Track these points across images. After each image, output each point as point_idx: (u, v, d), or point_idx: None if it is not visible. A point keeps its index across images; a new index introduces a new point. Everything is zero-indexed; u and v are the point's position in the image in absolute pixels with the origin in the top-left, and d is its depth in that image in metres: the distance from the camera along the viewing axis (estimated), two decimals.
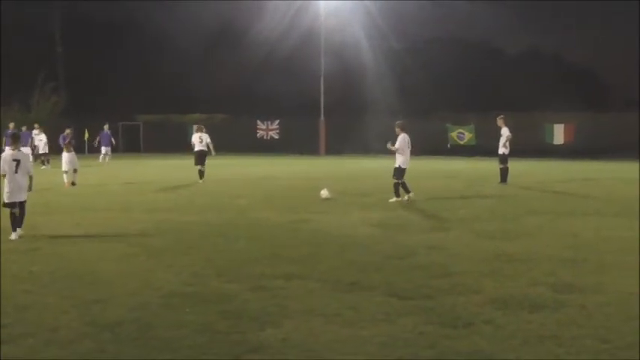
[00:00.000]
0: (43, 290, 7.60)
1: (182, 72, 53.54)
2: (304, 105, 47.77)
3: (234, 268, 8.69)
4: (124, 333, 6.04)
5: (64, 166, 20.95)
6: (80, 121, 41.52)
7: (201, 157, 22.22)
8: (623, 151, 36.22)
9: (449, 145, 42.99)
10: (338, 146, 44.68)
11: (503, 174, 20.95)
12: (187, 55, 54.75)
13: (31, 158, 11.85)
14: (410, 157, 16.74)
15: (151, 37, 54.32)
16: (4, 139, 13.58)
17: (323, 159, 41.17)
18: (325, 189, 16.89)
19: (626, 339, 5.83)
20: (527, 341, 5.79)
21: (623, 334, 5.96)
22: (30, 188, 11.51)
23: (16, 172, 11.14)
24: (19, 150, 11.56)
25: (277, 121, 48.54)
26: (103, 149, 35.41)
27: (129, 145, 48.68)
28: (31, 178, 11.49)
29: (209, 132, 23.31)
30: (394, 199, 16.17)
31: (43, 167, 29.18)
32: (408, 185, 16.40)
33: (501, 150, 20.80)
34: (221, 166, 28.38)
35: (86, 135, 41.43)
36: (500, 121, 21.02)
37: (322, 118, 46.51)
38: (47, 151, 31.05)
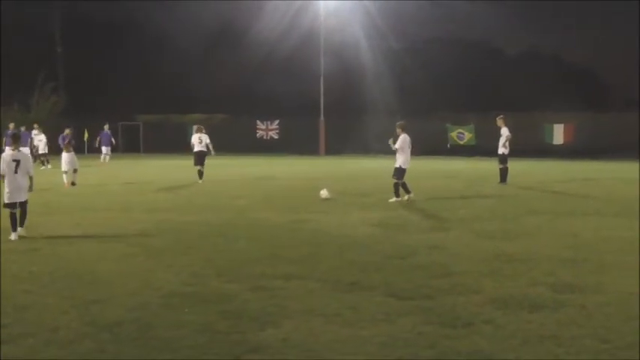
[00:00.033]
0: (43, 290, 7.60)
1: (182, 72, 53.54)
2: (304, 105, 47.77)
3: (234, 268, 8.69)
4: (124, 333, 6.04)
5: (64, 167, 20.96)
6: (80, 122, 41.54)
7: (200, 158, 22.29)
8: (623, 151, 36.21)
9: (449, 145, 42.98)
10: (338, 146, 44.68)
11: (503, 174, 20.95)
12: (187, 55, 54.75)
13: (31, 159, 11.81)
14: (410, 157, 16.74)
15: (151, 37, 54.34)
16: (4, 139, 13.59)
17: (323, 159, 41.16)
18: (325, 189, 16.89)
19: (625, 339, 5.84)
20: (527, 341, 5.79)
21: (622, 334, 5.96)
22: (31, 189, 11.51)
23: (15, 172, 11.14)
24: (19, 150, 11.54)
25: (277, 121, 48.54)
26: (104, 149, 35.42)
27: (128, 145, 48.67)
28: (31, 178, 11.48)
29: (209, 132, 23.43)
30: (394, 199, 16.17)
31: (43, 167, 29.16)
32: (409, 186, 16.40)
33: (501, 150, 20.81)
34: (221, 167, 28.38)
35: (86, 135, 41.43)
36: (499, 121, 21.02)
37: (322, 118, 46.51)
38: (47, 152, 31.03)
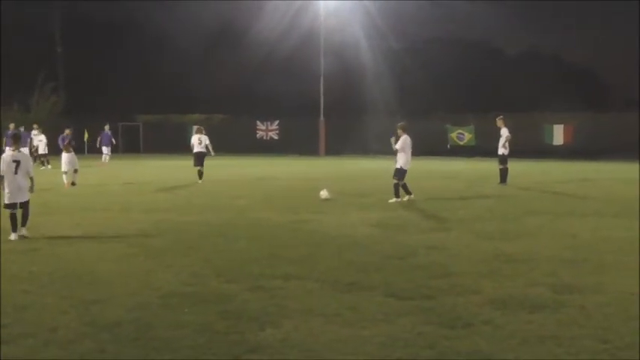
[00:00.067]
0: (43, 290, 7.60)
1: (182, 72, 53.55)
2: (304, 105, 47.77)
3: (233, 268, 8.69)
4: (124, 333, 6.04)
5: (64, 167, 20.96)
6: (80, 122, 41.48)
7: (200, 159, 22.42)
8: (623, 151, 36.16)
9: (448, 146, 43.00)
10: (337, 147, 44.67)
11: (503, 174, 20.95)
12: (187, 55, 54.75)
13: (31, 159, 11.82)
14: (411, 158, 16.76)
15: (151, 37, 54.34)
16: (4, 139, 13.58)
17: (322, 159, 41.17)
18: (325, 189, 16.89)
19: (625, 339, 5.84)
20: (527, 341, 5.79)
21: (622, 334, 5.97)
22: (32, 189, 11.49)
23: (16, 173, 11.13)
24: (20, 151, 11.53)
25: (277, 122, 48.55)
26: (105, 149, 35.43)
27: (128, 145, 48.66)
28: (31, 179, 11.47)
29: (209, 133, 23.59)
30: (394, 199, 16.17)
31: (43, 168, 29.16)
32: (409, 187, 16.40)
33: (501, 150, 20.81)
34: (220, 167, 28.40)
35: (86, 135, 41.43)
36: (499, 122, 21.02)
37: (322, 118, 46.49)
38: (47, 152, 31.01)
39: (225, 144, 38.04)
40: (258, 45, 50.56)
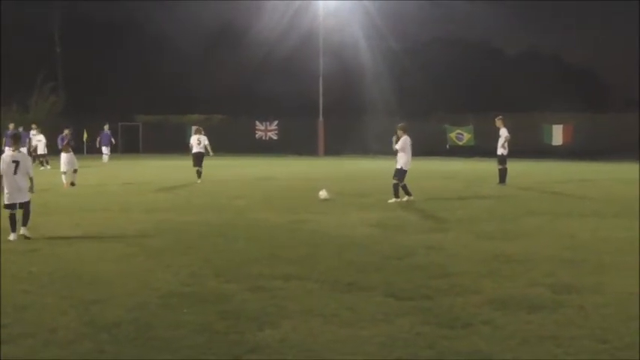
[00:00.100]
0: (42, 290, 7.60)
1: (181, 72, 53.56)
2: (303, 105, 47.79)
3: (232, 268, 8.69)
4: (123, 333, 6.04)
5: (63, 167, 20.96)
6: (79, 122, 41.50)
7: (198, 159, 22.53)
8: (622, 151, 36.18)
9: (448, 146, 42.99)
10: (337, 147, 44.66)
11: (502, 175, 20.95)
12: (187, 56, 54.78)
13: (30, 159, 11.82)
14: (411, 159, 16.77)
15: (151, 37, 54.35)
16: (4, 139, 13.57)
17: (322, 160, 41.17)
18: (324, 190, 16.89)
19: (624, 339, 5.84)
20: (526, 341, 5.80)
21: (621, 334, 5.97)
22: (32, 190, 11.47)
23: (15, 173, 11.11)
24: (19, 151, 11.52)
25: (276, 122, 48.55)
26: (104, 149, 35.46)
27: (128, 145, 48.65)
28: (31, 179, 11.44)
29: (208, 133, 23.68)
30: (393, 199, 16.17)
31: (42, 168, 29.15)
32: (409, 188, 16.40)
33: (500, 151, 20.82)
34: (220, 167, 28.41)
35: (85, 135, 41.43)
36: (498, 122, 21.03)
37: (321, 118, 46.49)
38: (46, 152, 30.99)
39: (224, 144, 38.11)
40: (257, 45, 50.59)
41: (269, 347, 5.69)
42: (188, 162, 23.86)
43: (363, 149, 43.14)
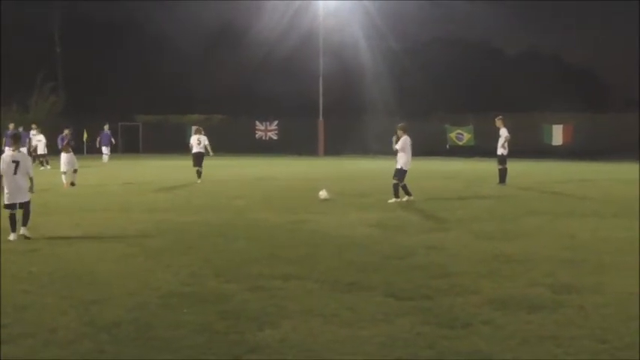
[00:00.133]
0: (42, 291, 7.60)
1: (181, 72, 53.56)
2: (303, 105, 47.78)
3: (232, 268, 8.69)
4: (123, 333, 6.04)
5: (63, 167, 20.96)
6: (79, 122, 41.50)
7: (198, 159, 22.56)
8: (622, 152, 36.17)
9: (448, 146, 42.99)
10: (337, 147, 44.66)
11: (502, 175, 20.96)
12: (187, 56, 54.77)
13: (30, 159, 11.83)
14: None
15: (151, 37, 54.35)
16: (4, 139, 13.56)
17: (322, 160, 41.17)
18: (324, 190, 16.89)
19: (624, 339, 5.84)
20: (526, 341, 5.80)
21: (621, 334, 5.97)
22: (32, 190, 11.46)
23: (15, 173, 11.11)
24: (20, 151, 11.52)
25: (276, 122, 48.55)
26: (104, 149, 35.46)
27: (128, 145, 48.66)
28: (31, 179, 11.43)
29: (208, 133, 23.71)
30: (393, 199, 16.18)
31: (42, 168, 29.15)
32: (409, 188, 16.39)
33: (500, 151, 20.82)
34: (220, 167, 28.41)
35: (85, 135, 41.43)
36: (498, 122, 21.03)
37: (321, 118, 46.49)
38: (46, 152, 30.99)
39: (224, 144, 38.11)
40: (257, 45, 50.60)
41: (269, 347, 5.69)
42: (188, 162, 23.86)
43: (363, 149, 43.14)
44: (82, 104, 48.88)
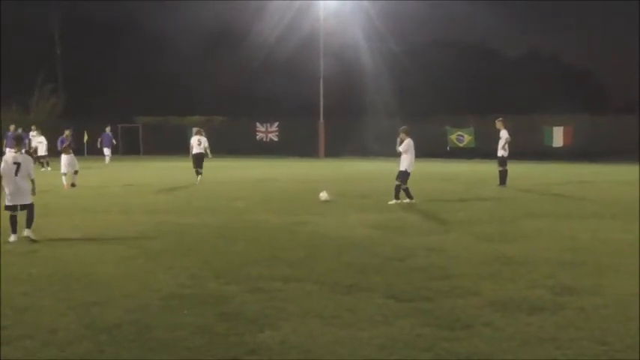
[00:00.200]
0: (42, 292, 7.60)
1: (181, 73, 53.54)
2: (303, 107, 47.75)
3: (232, 270, 8.69)
4: (123, 335, 6.04)
5: (63, 168, 20.97)
6: (79, 123, 41.48)
7: (198, 160, 22.59)
8: (622, 153, 36.13)
9: (448, 148, 42.93)
10: (337, 148, 44.62)
11: (503, 176, 20.95)
12: (187, 57, 54.73)
13: (32, 161, 11.84)
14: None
15: (151, 38, 54.33)
16: (4, 141, 13.56)
17: (322, 161, 41.15)
18: (324, 191, 16.89)
19: (624, 341, 5.84)
20: (526, 343, 5.80)
21: (621, 336, 5.97)
22: (33, 192, 11.43)
23: (16, 175, 11.09)
24: (21, 153, 11.51)
25: (276, 123, 48.50)
26: (106, 150, 35.46)
27: (128, 147, 48.59)
28: (33, 181, 11.42)
29: (208, 134, 23.71)
30: (393, 201, 16.19)
31: (43, 169, 29.15)
32: (411, 192, 16.39)
33: (500, 152, 20.82)
34: (220, 168, 28.42)
35: (85, 137, 41.43)
36: (499, 124, 21.03)
37: (321, 120, 46.46)
38: (47, 153, 30.99)
39: (225, 145, 38.12)
40: (257, 46, 50.58)
41: (269, 349, 5.69)
42: (188, 163, 23.87)
43: (363, 151, 43.10)
44: (82, 105, 48.89)
